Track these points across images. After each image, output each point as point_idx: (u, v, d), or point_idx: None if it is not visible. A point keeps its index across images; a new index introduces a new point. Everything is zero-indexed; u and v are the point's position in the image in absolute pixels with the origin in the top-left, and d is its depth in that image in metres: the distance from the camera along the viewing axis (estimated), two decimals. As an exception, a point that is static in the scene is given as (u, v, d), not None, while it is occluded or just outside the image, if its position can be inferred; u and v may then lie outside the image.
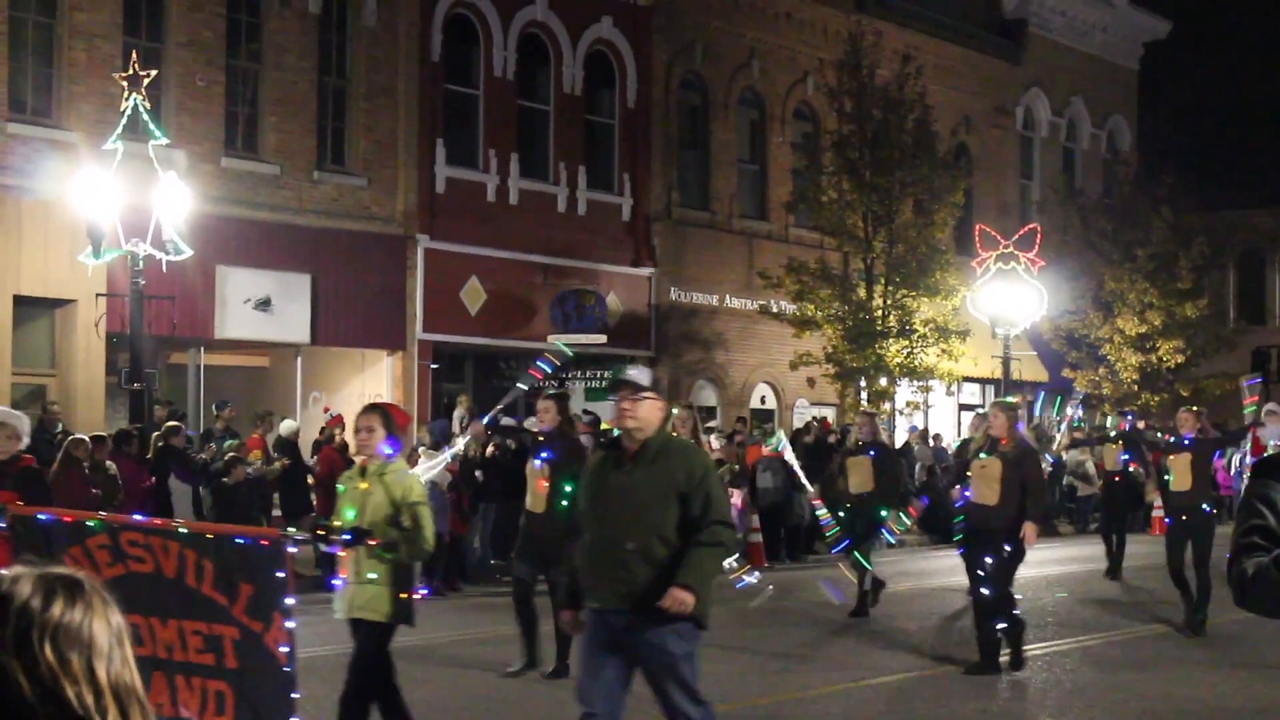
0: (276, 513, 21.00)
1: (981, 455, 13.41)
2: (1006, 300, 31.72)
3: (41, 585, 2.42)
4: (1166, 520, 16.40)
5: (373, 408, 9.41)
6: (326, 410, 23.89)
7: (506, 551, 23.12)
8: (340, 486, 9.41)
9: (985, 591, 13.21)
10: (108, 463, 18.00)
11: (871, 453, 17.68)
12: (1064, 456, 32.90)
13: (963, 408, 37.40)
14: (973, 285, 31.93)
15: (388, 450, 9.02)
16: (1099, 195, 39.88)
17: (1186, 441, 16.09)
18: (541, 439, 13.07)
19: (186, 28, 23.71)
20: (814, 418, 29.70)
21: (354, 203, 25.98)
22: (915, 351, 31.04)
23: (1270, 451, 20.53)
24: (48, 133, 22.05)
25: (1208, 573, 15.63)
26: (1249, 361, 38.57)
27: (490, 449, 22.48)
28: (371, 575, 8.81)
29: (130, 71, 19.57)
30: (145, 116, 19.51)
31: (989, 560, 13.21)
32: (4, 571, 2.44)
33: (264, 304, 24.34)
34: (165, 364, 24.02)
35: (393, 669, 9.08)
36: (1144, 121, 45.10)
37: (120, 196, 19.17)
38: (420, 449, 21.71)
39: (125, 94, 19.49)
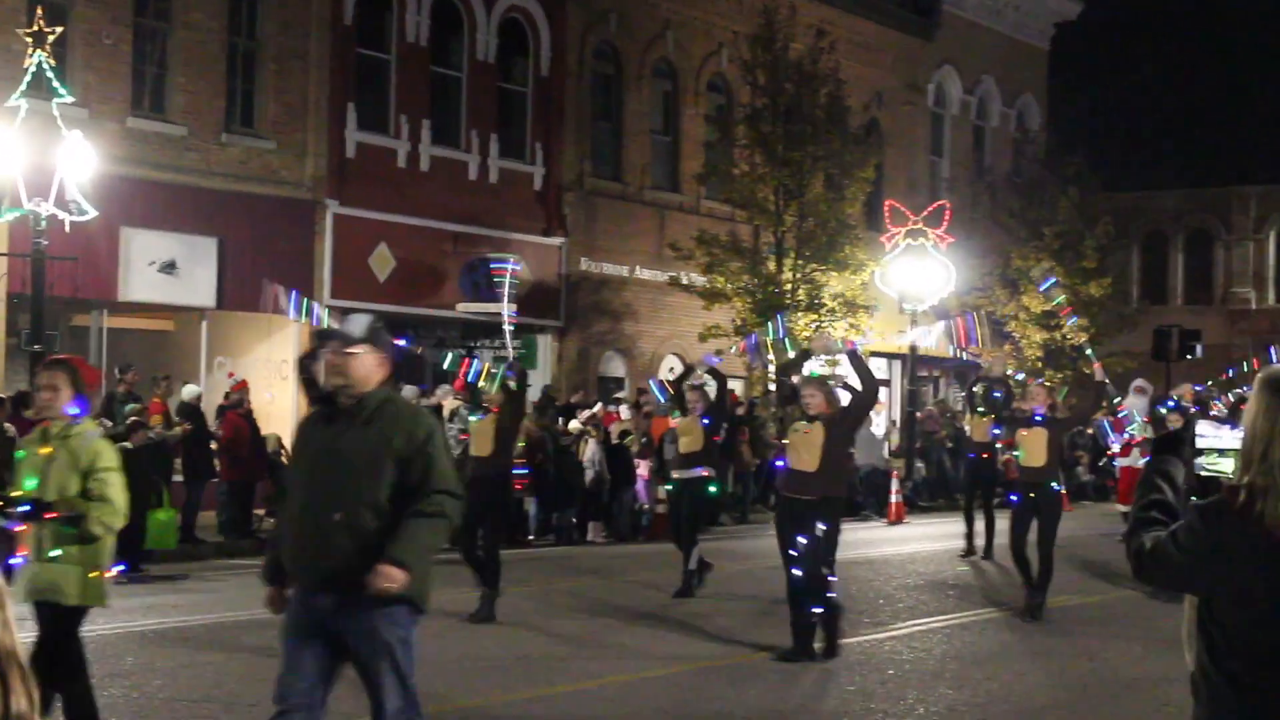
0: (178, 478, 20.82)
1: (802, 422, 12.80)
2: (914, 276, 31.95)
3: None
4: (1012, 497, 15.92)
5: (56, 363, 8.36)
6: (231, 375, 23.68)
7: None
8: (19, 453, 8.39)
9: (797, 571, 12.51)
10: (6, 425, 17.73)
11: (705, 420, 17.00)
12: (967, 430, 33.08)
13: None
14: (881, 260, 32.12)
15: (74, 411, 8.00)
16: (1008, 174, 40.21)
17: (1038, 418, 15.60)
18: None
19: (93, -16, 23.33)
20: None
21: (262, 166, 25.72)
22: (823, 325, 31.17)
23: (1132, 426, 20.59)
24: (-51, 88, 21.63)
25: (1051, 553, 15.27)
26: (1150, 340, 39.08)
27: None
28: (55, 552, 7.81)
29: (35, 27, 19.23)
30: (50, 74, 19.18)
31: (802, 539, 12.49)
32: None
33: (169, 267, 24.06)
34: (67, 326, 23.70)
35: (83, 659, 8.14)
36: (1053, 102, 45.48)
37: (23, 155, 18.85)
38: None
39: (29, 50, 19.15)
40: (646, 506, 24.65)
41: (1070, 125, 42.91)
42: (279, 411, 25.57)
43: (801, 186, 31.07)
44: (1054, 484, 15.53)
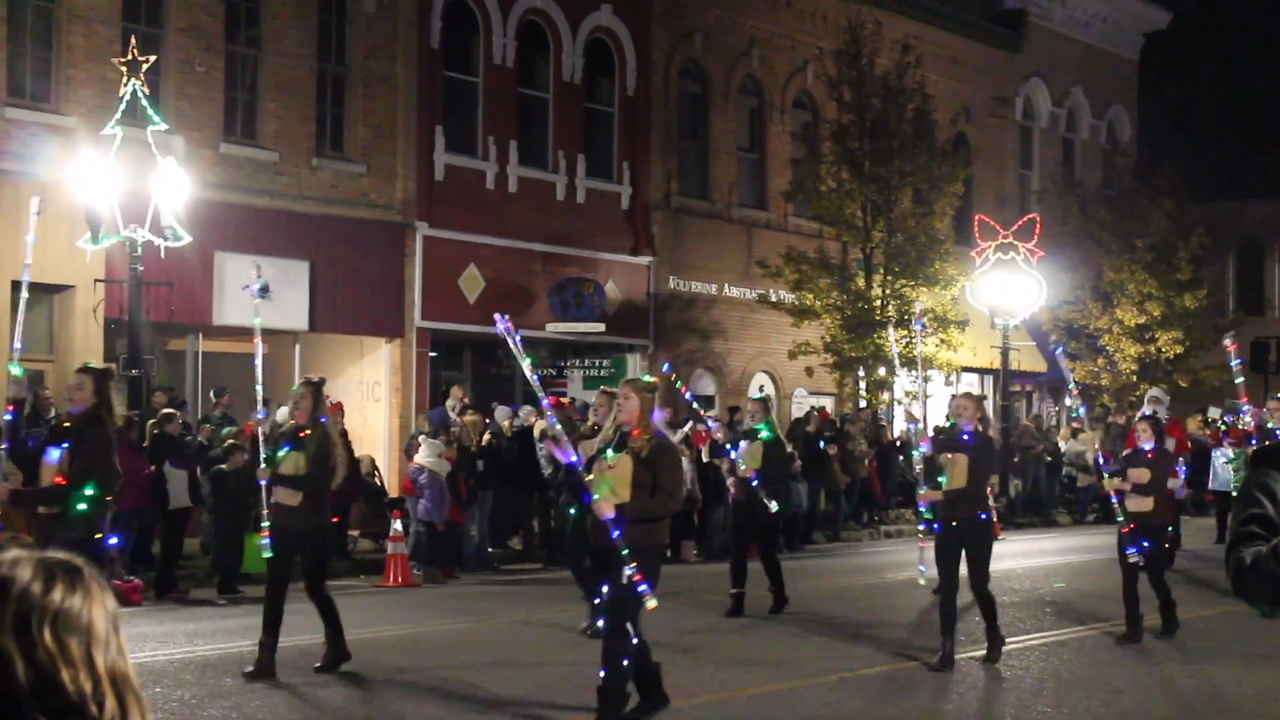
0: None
1: (608, 453, 10.19)
2: (1005, 290, 31.73)
3: (42, 570, 2.40)
4: (935, 527, 13.74)
5: None
6: (327, 397, 23.84)
7: (504, 540, 23.19)
8: None
9: (600, 623, 10.39)
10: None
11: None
12: (1062, 447, 32.99)
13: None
14: (972, 275, 31.94)
15: None
16: (1098, 186, 39.87)
17: (965, 437, 13.28)
18: (67, 424, 11.03)
19: (185, 13, 23.66)
20: (813, 407, 29.71)
21: (353, 189, 25.94)
22: (914, 341, 31.02)
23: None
24: (46, 117, 22.00)
25: (984, 589, 13.33)
26: (1249, 352, 38.55)
27: (487, 436, 22.50)
28: None
29: (129, 56, 19.52)
30: (144, 102, 19.46)
31: (605, 587, 10.23)
32: (3, 555, 2.42)
33: (262, 290, 24.26)
34: (163, 350, 24.00)
35: None
36: (1144, 112, 45.06)
37: (119, 182, 19.12)
38: (420, 437, 21.72)
39: (124, 79, 19.45)
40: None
41: (1162, 135, 42.53)
42: (371, 434, 25.77)
43: (889, 202, 30.96)
44: (980, 513, 13.28)
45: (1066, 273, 35.35)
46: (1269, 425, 16.77)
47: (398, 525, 20.09)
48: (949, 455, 13.27)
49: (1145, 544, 14.60)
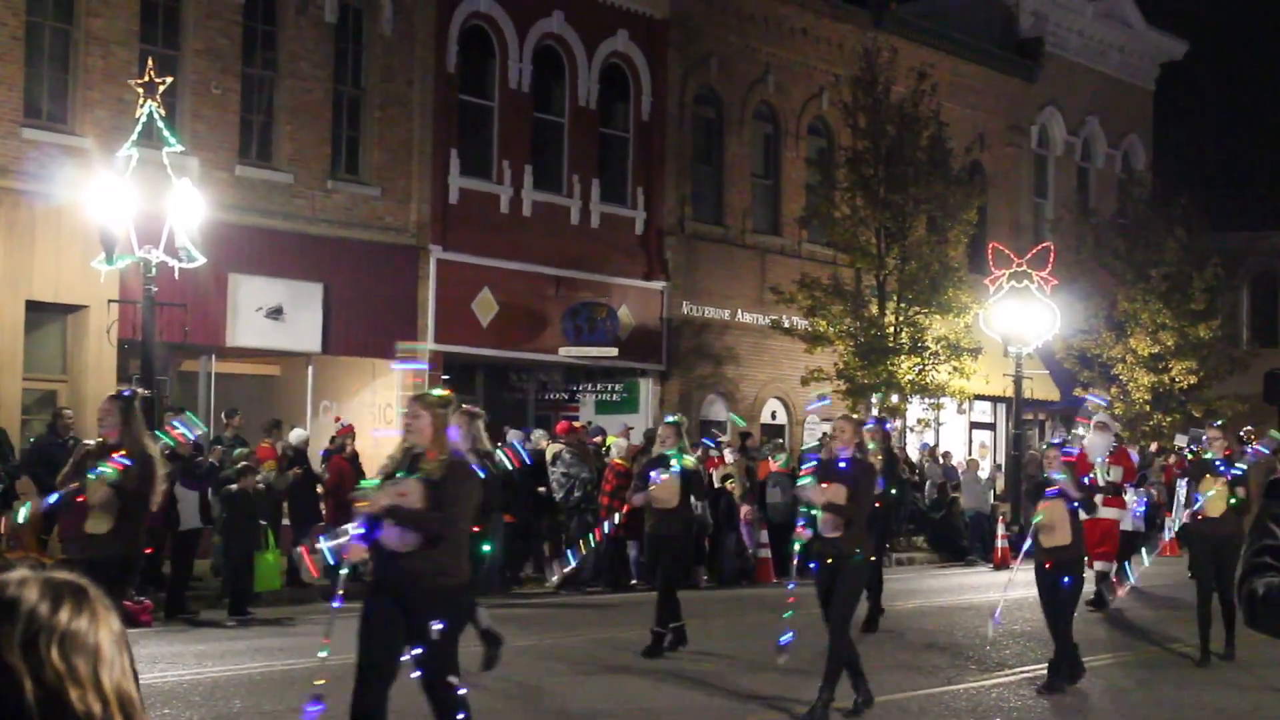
0: (285, 522, 21.00)
1: (398, 476, 8.87)
2: (1019, 319, 31.70)
3: (48, 590, 2.40)
4: (812, 566, 12.06)
5: None
6: (337, 420, 23.90)
7: (517, 564, 23.15)
8: None
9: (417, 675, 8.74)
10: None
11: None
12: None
13: (974, 425, 37.38)
14: (985, 303, 31.91)
15: None
16: (1113, 215, 39.84)
17: (842, 465, 11.79)
18: None
19: (202, 35, 23.75)
20: (825, 434, 29.67)
21: (367, 212, 25.99)
22: (927, 368, 31.01)
23: (1098, 468, 18.86)
24: (62, 138, 22.08)
25: (838, 640, 11.80)
26: (1260, 383, 38.47)
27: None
28: None
29: (146, 78, 19.58)
30: (160, 123, 19.51)
31: (415, 649, 8.68)
32: (9, 575, 2.42)
33: (276, 312, 24.34)
34: (176, 371, 24.04)
35: None
36: (1159, 142, 45.05)
37: (134, 203, 19.16)
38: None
39: (140, 100, 19.50)
40: (750, 550, 24.58)
41: (1177, 165, 42.49)
42: (383, 456, 25.72)
43: (904, 229, 30.97)
44: (858, 550, 11.75)
45: (1080, 301, 35.30)
46: (1207, 455, 15.97)
47: (408, 548, 20.02)
48: (824, 485, 11.65)
49: (1066, 580, 13.68)
